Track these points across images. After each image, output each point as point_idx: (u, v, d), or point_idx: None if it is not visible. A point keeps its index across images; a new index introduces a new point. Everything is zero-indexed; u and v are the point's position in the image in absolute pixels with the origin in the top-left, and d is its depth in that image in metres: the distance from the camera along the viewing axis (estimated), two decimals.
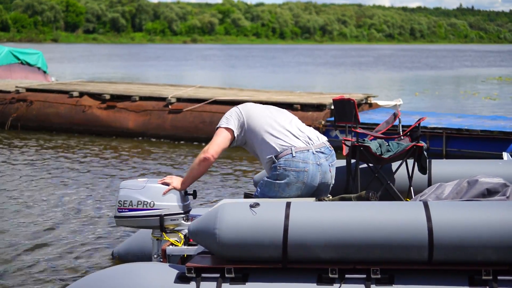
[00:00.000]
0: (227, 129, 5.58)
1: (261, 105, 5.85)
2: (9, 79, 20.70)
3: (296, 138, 5.57)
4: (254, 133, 5.60)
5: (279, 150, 5.49)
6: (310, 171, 5.47)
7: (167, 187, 5.44)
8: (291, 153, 5.46)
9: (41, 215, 8.43)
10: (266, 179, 5.55)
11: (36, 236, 7.55)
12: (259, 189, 5.59)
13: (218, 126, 5.64)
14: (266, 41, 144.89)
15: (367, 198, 5.34)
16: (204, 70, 45.67)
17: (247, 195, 5.81)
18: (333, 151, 5.71)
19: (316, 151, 5.55)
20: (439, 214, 4.48)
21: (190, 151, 13.15)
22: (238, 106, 5.75)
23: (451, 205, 4.66)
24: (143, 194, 5.40)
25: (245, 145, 5.73)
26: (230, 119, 5.64)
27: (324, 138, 5.73)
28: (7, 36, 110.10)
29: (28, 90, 16.52)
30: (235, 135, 5.61)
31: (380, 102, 16.26)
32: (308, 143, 5.56)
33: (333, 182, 5.73)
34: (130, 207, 5.38)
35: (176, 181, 5.46)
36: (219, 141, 5.55)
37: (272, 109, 5.81)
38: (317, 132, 5.76)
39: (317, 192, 5.60)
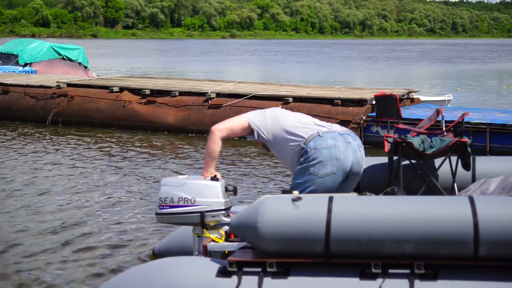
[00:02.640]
0: (246, 120, 5.68)
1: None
2: (51, 74, 20.91)
3: (320, 127, 5.65)
4: (278, 131, 5.64)
5: (306, 137, 5.54)
6: (341, 147, 5.51)
7: (207, 182, 5.44)
8: (319, 135, 5.52)
9: (80, 212, 8.47)
10: (298, 167, 5.55)
11: (76, 233, 7.58)
12: (294, 180, 5.58)
13: (244, 114, 5.78)
14: (305, 36, 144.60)
15: (393, 194, 5.31)
16: (244, 65, 45.72)
17: (284, 192, 5.78)
18: (358, 137, 5.77)
19: (342, 133, 5.62)
20: (485, 209, 4.40)
21: (230, 146, 13.14)
22: (268, 110, 5.86)
23: (497, 200, 4.57)
24: (184, 190, 5.39)
25: (269, 143, 5.73)
26: (253, 114, 5.75)
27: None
28: (48, 32, 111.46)
29: (69, 85, 16.65)
30: (254, 129, 5.65)
31: (429, 98, 16.15)
32: (332, 128, 5.64)
33: (363, 164, 5.71)
34: (171, 204, 5.38)
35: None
36: (231, 122, 5.68)
37: (296, 113, 5.91)
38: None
39: (351, 174, 5.59)
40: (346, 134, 5.62)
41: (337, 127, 5.67)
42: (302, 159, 5.52)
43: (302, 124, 5.65)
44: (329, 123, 5.76)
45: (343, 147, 5.51)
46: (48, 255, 6.80)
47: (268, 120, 5.68)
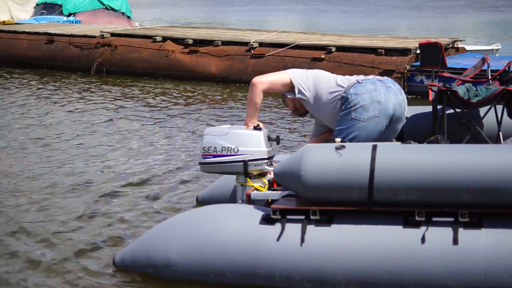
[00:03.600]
0: (288, 76, 5.67)
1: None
2: (94, 24, 21.00)
3: (359, 77, 5.68)
4: (319, 87, 5.65)
5: (345, 86, 5.56)
6: (381, 90, 5.53)
7: (250, 132, 5.48)
8: (358, 82, 5.56)
9: (124, 161, 8.55)
10: (340, 114, 5.55)
11: (119, 181, 7.65)
12: (336, 128, 5.56)
13: (287, 70, 5.77)
14: None
15: (437, 143, 5.30)
16: (287, 15, 45.35)
17: (327, 141, 5.78)
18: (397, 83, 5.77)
19: (380, 79, 5.66)
20: None
21: (272, 96, 13.12)
22: (311, 74, 5.82)
23: None
24: (227, 140, 5.43)
25: (308, 102, 5.71)
26: (294, 71, 5.75)
27: None
28: None
29: (113, 35, 16.71)
30: (295, 85, 5.64)
31: (475, 47, 15.88)
32: (369, 77, 5.68)
33: (406, 108, 5.69)
34: (215, 153, 5.43)
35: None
36: (273, 77, 5.71)
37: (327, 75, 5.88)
38: None
39: (394, 117, 5.57)
40: (384, 80, 5.64)
41: (374, 76, 5.70)
42: (343, 107, 5.51)
43: (341, 77, 5.69)
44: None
45: (383, 91, 5.52)
46: (91, 204, 6.87)
47: (310, 77, 5.69)
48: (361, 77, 5.65)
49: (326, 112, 5.66)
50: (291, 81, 5.64)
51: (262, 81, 5.61)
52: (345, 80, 5.64)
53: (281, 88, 5.68)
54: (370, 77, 5.65)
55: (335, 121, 5.60)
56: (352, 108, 5.46)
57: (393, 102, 5.53)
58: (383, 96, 5.49)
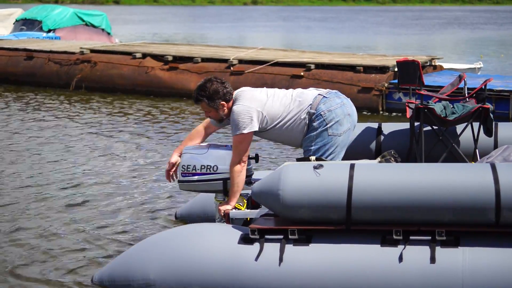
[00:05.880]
0: (246, 134, 5.36)
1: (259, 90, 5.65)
2: (74, 40, 20.95)
3: (314, 90, 5.64)
4: (275, 117, 5.48)
5: (311, 103, 5.50)
6: (346, 103, 5.60)
7: (229, 150, 5.47)
8: (324, 97, 5.53)
9: (102, 178, 8.52)
10: (313, 133, 5.48)
11: (98, 199, 7.63)
12: (312, 146, 5.49)
13: (240, 132, 5.36)
14: (327, 3, 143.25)
15: (389, 157, 5.38)
16: (266, 32, 45.47)
17: (300, 160, 5.76)
18: None
19: (334, 92, 5.68)
20: (507, 176, 4.41)
21: None
22: (248, 103, 5.46)
23: None
24: (206, 158, 5.43)
25: (267, 131, 5.54)
26: (252, 122, 5.40)
27: None
28: None
29: (92, 51, 16.68)
30: (255, 131, 5.43)
31: (453, 65, 15.95)
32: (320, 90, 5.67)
33: None
34: (194, 171, 5.42)
35: (227, 206, 5.35)
36: (244, 149, 5.35)
37: (272, 90, 5.71)
38: None
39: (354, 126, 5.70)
40: (335, 92, 5.66)
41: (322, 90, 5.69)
42: (315, 124, 5.46)
43: (296, 96, 5.55)
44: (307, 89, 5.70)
45: (347, 102, 5.61)
46: (68, 222, 6.84)
47: (259, 111, 5.43)
48: (321, 90, 5.61)
49: (291, 132, 5.53)
50: (250, 134, 5.39)
51: (243, 161, 5.33)
52: (304, 95, 5.53)
53: (250, 143, 5.43)
54: (323, 90, 5.63)
55: (300, 139, 5.54)
56: (327, 125, 5.45)
57: (355, 112, 5.67)
58: (350, 108, 5.60)
